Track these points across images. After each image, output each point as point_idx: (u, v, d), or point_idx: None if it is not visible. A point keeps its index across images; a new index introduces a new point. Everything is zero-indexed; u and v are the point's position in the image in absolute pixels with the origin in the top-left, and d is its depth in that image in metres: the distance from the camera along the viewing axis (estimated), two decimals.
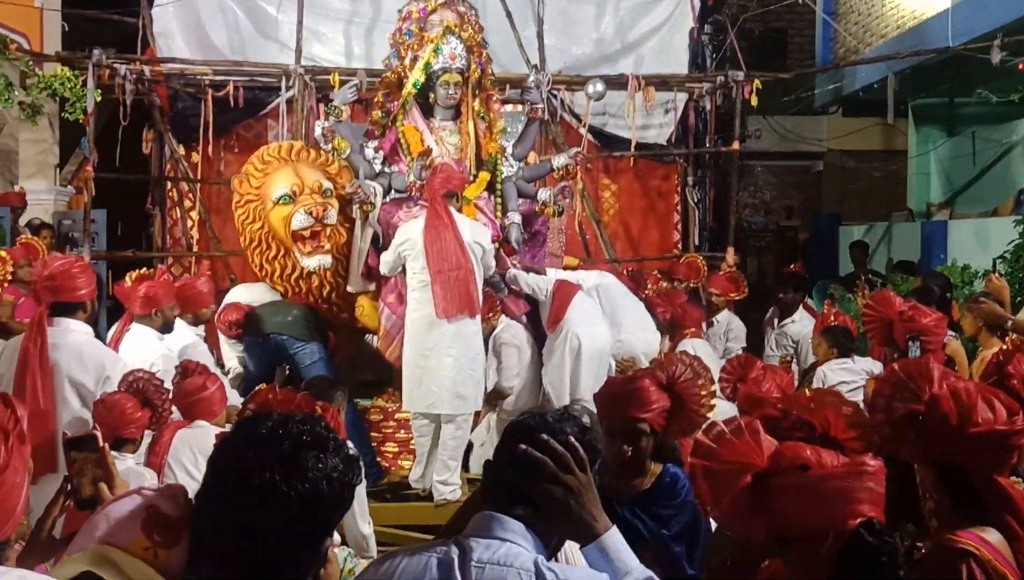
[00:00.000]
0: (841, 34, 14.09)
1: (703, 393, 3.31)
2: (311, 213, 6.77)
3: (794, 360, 7.98)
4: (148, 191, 9.96)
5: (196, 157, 9.74)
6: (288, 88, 9.15)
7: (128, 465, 4.16)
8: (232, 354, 6.83)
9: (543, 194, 7.19)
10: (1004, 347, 3.51)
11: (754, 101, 9.80)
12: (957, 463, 2.20)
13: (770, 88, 10.46)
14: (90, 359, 4.67)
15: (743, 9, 12.23)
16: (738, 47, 10.53)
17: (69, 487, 2.46)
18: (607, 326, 6.89)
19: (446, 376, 6.13)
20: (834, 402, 2.23)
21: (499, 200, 7.14)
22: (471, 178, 6.97)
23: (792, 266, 9.86)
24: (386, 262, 6.52)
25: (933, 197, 13.94)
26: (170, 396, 4.51)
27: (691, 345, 6.93)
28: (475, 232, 6.42)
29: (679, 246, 10.76)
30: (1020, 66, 9.02)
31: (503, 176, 7.18)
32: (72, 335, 4.68)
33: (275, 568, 1.80)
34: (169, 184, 9.87)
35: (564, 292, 6.82)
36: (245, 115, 9.78)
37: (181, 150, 9.80)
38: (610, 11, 10.80)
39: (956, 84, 11.64)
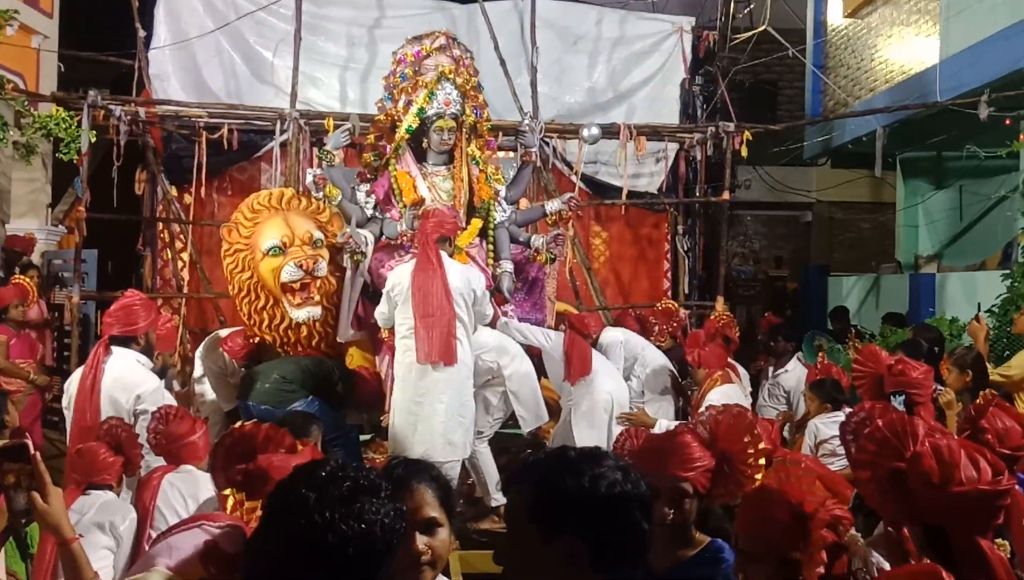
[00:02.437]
0: (831, 87, 14.25)
1: (751, 451, 2.90)
2: (301, 266, 6.67)
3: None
4: (139, 232, 9.97)
5: (188, 199, 9.77)
6: (283, 131, 9.20)
7: (106, 498, 4.18)
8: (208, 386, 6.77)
9: (536, 241, 7.18)
10: (977, 402, 3.48)
11: (744, 152, 9.89)
12: (940, 523, 2.15)
13: (760, 139, 10.56)
14: (127, 380, 5.29)
15: (734, 61, 12.36)
16: (729, 98, 10.65)
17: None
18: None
19: (439, 422, 6.04)
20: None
21: (491, 247, 7.10)
22: (463, 225, 6.96)
23: (766, 315, 9.81)
24: (381, 313, 6.42)
25: (921, 249, 14.03)
26: (142, 442, 4.55)
27: (723, 394, 6.41)
28: (466, 277, 6.28)
29: (668, 294, 10.79)
30: (1008, 121, 9.12)
31: (496, 222, 7.15)
32: (120, 361, 5.37)
33: None
34: (161, 225, 9.89)
35: (582, 346, 6.68)
36: (239, 158, 9.84)
37: (174, 191, 9.84)
38: (603, 61, 10.93)
39: (944, 138, 11.77)
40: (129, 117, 9.04)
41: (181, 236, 9.87)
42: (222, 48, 10.11)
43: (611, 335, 7.35)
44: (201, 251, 9.81)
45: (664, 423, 6.40)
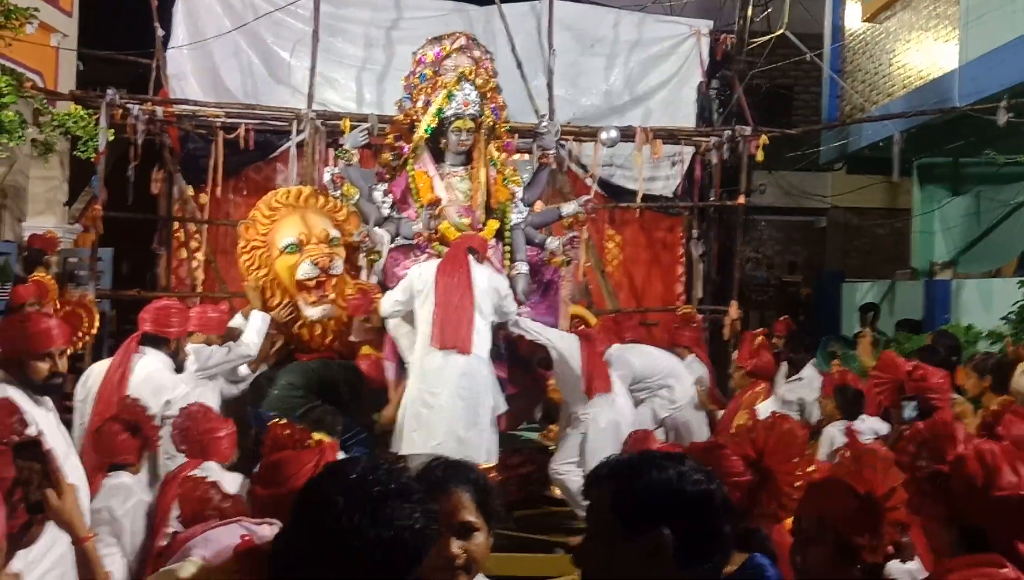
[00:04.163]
0: (848, 92, 14.21)
1: (797, 472, 2.70)
2: (317, 264, 6.72)
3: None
4: (155, 231, 10.00)
5: (204, 198, 9.79)
6: (299, 132, 9.21)
7: (120, 480, 4.27)
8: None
9: (552, 243, 7.18)
10: (993, 408, 3.47)
11: (760, 156, 9.86)
12: (979, 526, 2.18)
13: (776, 144, 10.52)
14: (157, 382, 5.39)
15: (751, 65, 12.33)
16: (745, 102, 10.61)
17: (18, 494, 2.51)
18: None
19: (447, 416, 6.02)
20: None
21: (507, 248, 7.11)
22: (480, 226, 6.98)
23: (782, 318, 9.73)
24: (390, 299, 6.43)
25: (937, 256, 13.96)
26: (158, 424, 4.64)
27: (772, 406, 6.60)
28: (492, 280, 6.43)
29: (682, 298, 10.77)
30: None
31: (512, 224, 7.16)
32: (151, 361, 5.44)
33: None
34: (176, 224, 9.91)
35: (600, 359, 6.63)
36: (255, 158, 9.86)
37: (190, 191, 9.86)
38: (620, 64, 10.92)
39: (962, 144, 11.71)
40: (147, 116, 9.06)
41: (196, 235, 9.89)
42: (240, 48, 10.13)
43: (620, 354, 7.28)
44: (216, 251, 9.83)
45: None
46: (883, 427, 5.84)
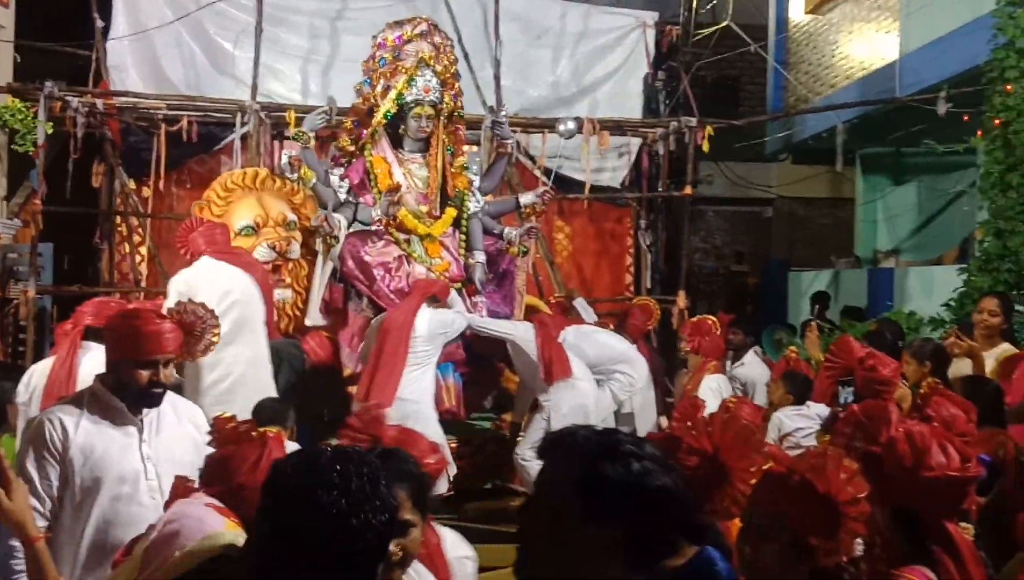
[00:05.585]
0: (792, 83, 14.35)
1: (753, 469, 2.60)
2: (275, 247, 6.67)
3: None
4: (96, 225, 9.82)
5: (147, 192, 9.64)
6: (243, 124, 9.11)
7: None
8: None
9: (510, 233, 7.17)
10: (922, 390, 3.52)
11: (706, 147, 9.94)
12: (911, 506, 2.21)
13: (722, 135, 10.62)
14: None
15: (696, 56, 12.41)
16: (691, 94, 10.68)
17: None
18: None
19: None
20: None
21: (464, 237, 7.09)
22: (438, 213, 6.94)
23: (719, 314, 9.73)
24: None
25: (880, 244, 14.17)
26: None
27: (716, 383, 7.04)
28: (433, 323, 6.29)
29: (631, 289, 10.83)
30: (966, 117, 9.22)
31: (469, 212, 7.14)
32: (95, 354, 5.00)
33: None
34: (118, 218, 9.74)
35: (558, 347, 6.56)
36: (198, 150, 9.71)
37: (132, 184, 9.69)
38: (566, 55, 10.93)
39: (904, 134, 11.88)
40: (86, 109, 8.93)
41: (139, 230, 9.73)
42: (182, 39, 9.97)
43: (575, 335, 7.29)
44: (159, 245, 9.67)
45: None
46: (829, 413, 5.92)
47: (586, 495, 1.88)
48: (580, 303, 8.12)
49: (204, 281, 5.85)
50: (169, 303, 5.84)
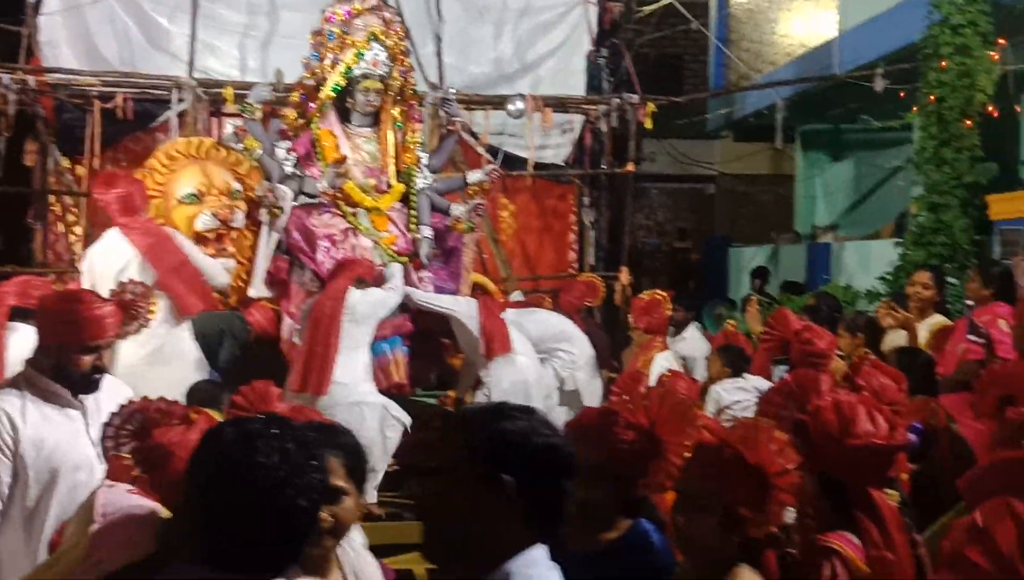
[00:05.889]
0: (733, 60, 14.45)
1: (687, 443, 2.61)
2: (217, 215, 6.58)
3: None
4: (29, 204, 9.60)
5: (81, 170, 9.42)
6: (180, 101, 8.94)
7: None
8: None
9: (457, 210, 7.14)
10: (853, 361, 3.60)
11: (648, 124, 9.97)
12: (837, 474, 2.24)
13: (664, 112, 10.65)
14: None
15: (639, 34, 12.42)
16: (633, 71, 10.69)
17: None
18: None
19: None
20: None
21: (412, 212, 7.05)
22: (386, 188, 6.90)
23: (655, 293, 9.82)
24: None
25: (819, 220, 14.38)
26: None
27: (667, 360, 7.01)
28: (364, 304, 6.21)
29: (575, 266, 10.84)
30: (902, 94, 9.37)
31: (418, 188, 7.10)
32: (23, 334, 4.87)
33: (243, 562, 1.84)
34: (52, 197, 9.53)
35: (500, 322, 6.57)
36: (134, 128, 9.49)
37: (66, 163, 9.47)
38: (508, 31, 10.86)
39: (842, 111, 12.05)
40: (18, 86, 8.69)
41: (73, 209, 9.51)
42: (115, 14, 9.73)
43: (516, 312, 7.30)
44: (95, 224, 9.44)
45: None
46: (766, 384, 5.99)
47: (476, 454, 1.94)
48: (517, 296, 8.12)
49: (100, 257, 6.07)
50: (84, 282, 5.80)
